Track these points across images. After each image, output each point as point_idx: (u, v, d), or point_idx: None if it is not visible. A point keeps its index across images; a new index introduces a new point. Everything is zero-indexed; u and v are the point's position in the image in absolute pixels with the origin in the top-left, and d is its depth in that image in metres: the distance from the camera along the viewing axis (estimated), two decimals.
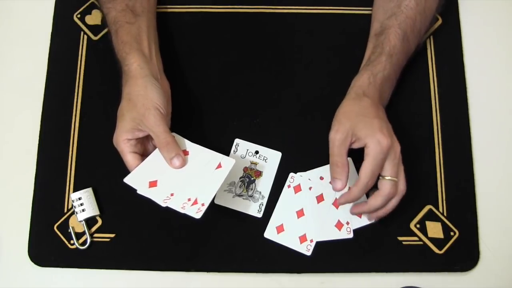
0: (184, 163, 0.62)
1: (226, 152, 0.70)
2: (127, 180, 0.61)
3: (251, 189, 0.69)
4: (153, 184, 0.61)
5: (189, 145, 0.64)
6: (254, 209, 0.68)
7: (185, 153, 0.63)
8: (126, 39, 0.66)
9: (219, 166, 0.62)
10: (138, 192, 0.60)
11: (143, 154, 0.64)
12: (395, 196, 0.62)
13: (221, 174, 0.62)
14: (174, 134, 0.64)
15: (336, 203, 0.67)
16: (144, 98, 0.62)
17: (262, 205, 0.69)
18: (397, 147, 0.62)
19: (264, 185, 0.69)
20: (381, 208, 0.62)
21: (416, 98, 0.73)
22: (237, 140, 0.71)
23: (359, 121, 0.62)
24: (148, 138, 0.64)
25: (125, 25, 0.67)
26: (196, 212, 0.58)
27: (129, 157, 0.62)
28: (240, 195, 0.69)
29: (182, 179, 0.62)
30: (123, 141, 0.62)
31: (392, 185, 0.61)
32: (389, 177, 0.61)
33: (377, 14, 0.71)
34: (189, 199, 0.59)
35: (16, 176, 0.71)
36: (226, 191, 0.69)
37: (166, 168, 0.62)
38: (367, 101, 0.64)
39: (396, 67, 0.67)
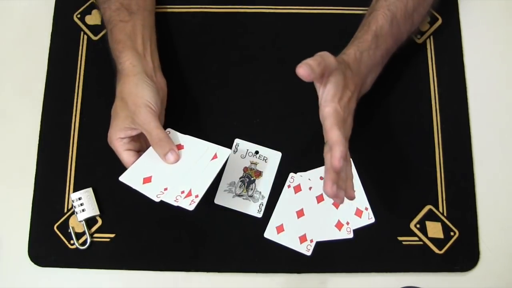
0: (178, 158, 0.61)
1: None
2: (123, 178, 0.61)
3: (251, 189, 0.69)
4: (147, 180, 0.61)
5: (183, 138, 0.63)
6: (254, 209, 0.68)
7: (180, 147, 0.63)
8: (120, 38, 0.66)
9: (215, 157, 0.62)
10: (134, 188, 0.60)
11: (140, 151, 0.64)
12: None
13: (216, 164, 0.61)
14: (169, 129, 0.63)
15: (336, 204, 0.67)
16: (134, 96, 0.62)
17: (262, 205, 0.68)
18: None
19: (264, 185, 0.69)
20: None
21: (416, 98, 0.73)
22: (237, 140, 0.71)
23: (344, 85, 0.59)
24: (143, 135, 0.63)
25: (119, 23, 0.67)
26: (190, 204, 0.57)
27: (124, 155, 0.62)
28: (240, 195, 0.69)
29: (177, 172, 0.61)
30: (116, 140, 0.62)
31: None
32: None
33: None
34: (182, 192, 0.59)
35: (16, 176, 0.71)
36: (226, 191, 0.69)
37: (162, 164, 0.62)
38: (349, 72, 0.61)
39: (383, 51, 0.65)
